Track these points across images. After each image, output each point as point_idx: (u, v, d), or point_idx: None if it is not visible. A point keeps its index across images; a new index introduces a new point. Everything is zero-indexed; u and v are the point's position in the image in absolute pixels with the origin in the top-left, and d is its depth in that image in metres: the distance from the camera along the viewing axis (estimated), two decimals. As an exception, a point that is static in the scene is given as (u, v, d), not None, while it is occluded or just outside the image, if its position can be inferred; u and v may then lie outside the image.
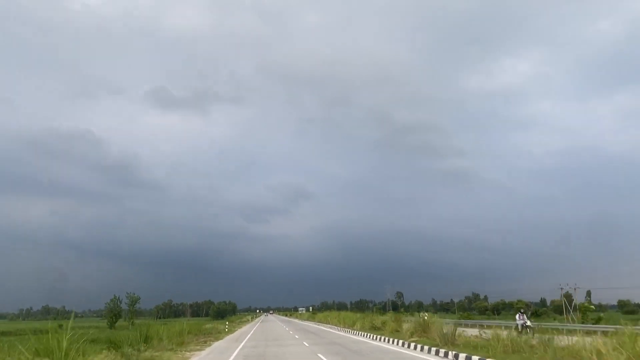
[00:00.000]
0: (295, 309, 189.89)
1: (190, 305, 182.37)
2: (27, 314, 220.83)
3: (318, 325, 54.40)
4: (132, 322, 60.97)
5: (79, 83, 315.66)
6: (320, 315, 60.91)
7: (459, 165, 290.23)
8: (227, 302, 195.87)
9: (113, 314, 59.52)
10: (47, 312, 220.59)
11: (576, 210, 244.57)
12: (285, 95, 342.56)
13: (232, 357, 19.20)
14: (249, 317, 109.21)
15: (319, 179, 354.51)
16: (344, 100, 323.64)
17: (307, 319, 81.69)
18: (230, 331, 40.74)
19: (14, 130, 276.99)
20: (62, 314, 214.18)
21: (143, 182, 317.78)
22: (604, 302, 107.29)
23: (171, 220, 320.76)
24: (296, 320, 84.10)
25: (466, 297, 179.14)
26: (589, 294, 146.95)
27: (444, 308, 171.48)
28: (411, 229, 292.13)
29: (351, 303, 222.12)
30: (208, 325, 44.50)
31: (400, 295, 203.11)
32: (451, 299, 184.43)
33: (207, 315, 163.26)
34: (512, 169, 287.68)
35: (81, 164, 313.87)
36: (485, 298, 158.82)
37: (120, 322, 66.87)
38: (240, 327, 51.80)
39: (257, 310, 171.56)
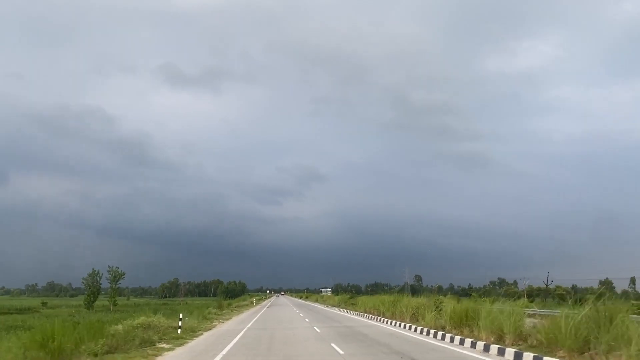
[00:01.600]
0: (316, 291, 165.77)
1: (198, 285, 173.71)
2: (32, 290, 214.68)
3: (346, 313, 39.10)
4: (115, 302, 50.15)
5: (90, 60, 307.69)
6: (366, 300, 36.63)
7: (476, 148, 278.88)
8: (237, 282, 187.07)
9: (91, 291, 48.78)
10: (51, 289, 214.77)
11: (600, 198, 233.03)
12: (298, 73, 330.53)
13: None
14: (254, 299, 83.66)
15: (331, 160, 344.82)
16: (358, 79, 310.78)
17: (339, 306, 51.94)
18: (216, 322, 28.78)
19: (24, 106, 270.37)
20: (65, 291, 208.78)
21: (155, 161, 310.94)
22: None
23: (182, 200, 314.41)
24: (320, 307, 56.50)
25: (491, 282, 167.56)
26: (633, 281, 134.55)
27: (465, 293, 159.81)
28: (426, 213, 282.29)
29: (366, 286, 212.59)
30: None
31: (419, 278, 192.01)
32: (469, 284, 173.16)
33: (214, 295, 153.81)
34: (530, 154, 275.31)
35: (92, 142, 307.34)
36: (515, 283, 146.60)
37: (105, 301, 56.26)
38: (227, 321, 30.92)
39: (268, 291, 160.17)
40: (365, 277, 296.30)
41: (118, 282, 49.64)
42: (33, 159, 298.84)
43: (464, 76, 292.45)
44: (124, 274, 49.80)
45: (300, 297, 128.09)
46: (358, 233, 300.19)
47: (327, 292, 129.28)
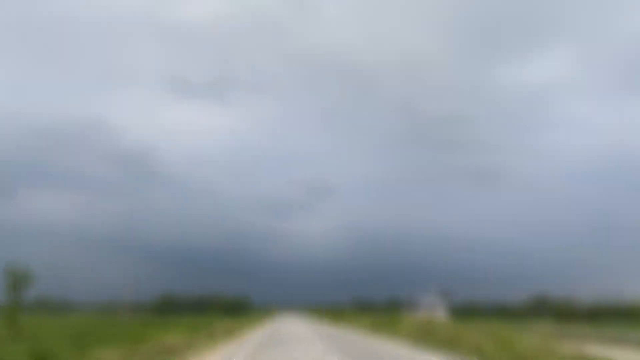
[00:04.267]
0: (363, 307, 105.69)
1: (197, 299, 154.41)
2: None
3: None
4: (14, 322, 30.68)
5: (93, 71, 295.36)
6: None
7: (489, 162, 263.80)
8: (241, 296, 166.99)
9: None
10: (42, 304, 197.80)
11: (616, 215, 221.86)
12: (307, 84, 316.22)
13: None
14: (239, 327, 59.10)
15: (341, 173, 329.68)
16: (367, 89, 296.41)
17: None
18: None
19: (25, 119, 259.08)
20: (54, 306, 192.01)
21: (160, 174, 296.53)
22: None
23: (189, 214, 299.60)
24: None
25: (532, 296, 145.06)
26: None
27: (501, 312, 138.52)
28: (440, 228, 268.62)
29: (385, 301, 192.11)
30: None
31: (445, 293, 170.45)
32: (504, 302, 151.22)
33: (209, 310, 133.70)
34: (546, 168, 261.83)
35: (95, 155, 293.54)
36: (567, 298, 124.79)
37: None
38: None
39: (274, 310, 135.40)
40: (381, 293, 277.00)
41: (22, 290, 31.24)
42: (36, 172, 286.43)
43: (477, 87, 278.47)
44: (33, 276, 31.32)
45: (331, 320, 73.76)
46: (370, 247, 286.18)
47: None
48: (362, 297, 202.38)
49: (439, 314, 63.58)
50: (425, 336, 22.51)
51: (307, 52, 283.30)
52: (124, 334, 26.68)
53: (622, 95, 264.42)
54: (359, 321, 45.09)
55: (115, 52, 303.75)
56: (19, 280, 32.35)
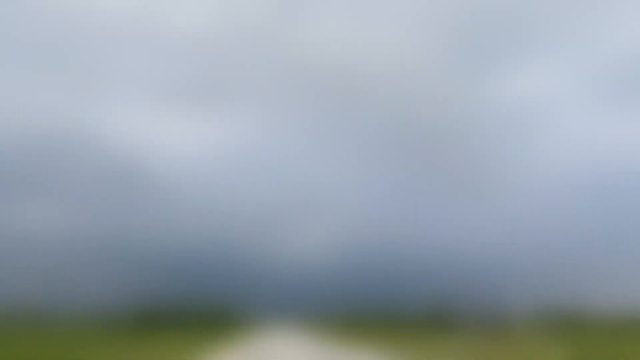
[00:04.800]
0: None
1: (171, 310, 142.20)
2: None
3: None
4: None
5: (78, 78, 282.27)
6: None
7: (478, 176, 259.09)
8: (220, 304, 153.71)
9: None
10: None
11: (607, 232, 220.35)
12: (294, 93, 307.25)
13: None
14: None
15: (329, 185, 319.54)
16: (357, 100, 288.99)
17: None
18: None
19: (16, 129, 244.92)
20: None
21: (145, 183, 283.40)
22: None
23: (174, 227, 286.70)
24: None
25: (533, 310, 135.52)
26: None
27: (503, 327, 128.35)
28: (428, 243, 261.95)
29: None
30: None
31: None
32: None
33: (180, 325, 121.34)
34: (535, 183, 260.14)
35: (80, 162, 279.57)
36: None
37: None
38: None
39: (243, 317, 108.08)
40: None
41: None
42: (21, 180, 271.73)
43: (466, 99, 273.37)
44: None
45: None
46: (360, 263, 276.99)
47: None
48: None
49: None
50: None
51: (294, 60, 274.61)
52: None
53: (613, 109, 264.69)
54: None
55: (100, 60, 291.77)
56: None
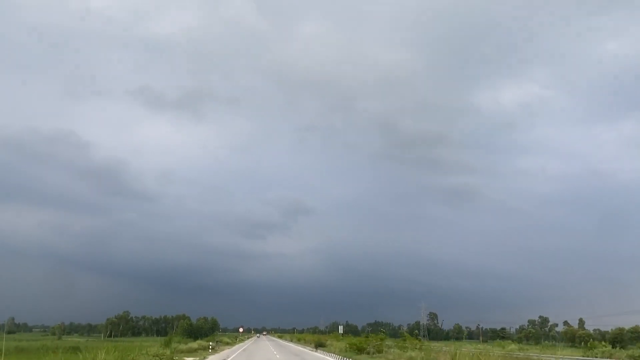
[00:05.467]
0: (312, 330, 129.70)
1: (156, 321, 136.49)
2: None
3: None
4: None
5: (62, 83, 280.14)
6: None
7: (466, 182, 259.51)
8: (208, 318, 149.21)
9: None
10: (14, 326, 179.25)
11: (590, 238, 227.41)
12: (284, 98, 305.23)
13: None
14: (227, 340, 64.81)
15: (318, 192, 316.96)
16: (345, 106, 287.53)
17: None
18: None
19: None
20: (22, 328, 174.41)
21: (131, 191, 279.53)
22: None
23: (160, 232, 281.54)
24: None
25: (530, 322, 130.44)
26: (581, 321, 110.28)
27: (498, 335, 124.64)
28: (414, 250, 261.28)
29: (368, 325, 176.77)
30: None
31: (434, 316, 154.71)
32: (502, 327, 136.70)
33: (164, 334, 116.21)
34: (521, 190, 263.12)
35: (65, 169, 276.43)
36: (581, 323, 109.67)
37: None
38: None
39: (251, 331, 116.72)
40: (362, 316, 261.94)
41: None
42: (3, 186, 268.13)
43: (455, 106, 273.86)
44: None
45: (281, 337, 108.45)
46: (347, 270, 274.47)
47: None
48: (346, 320, 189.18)
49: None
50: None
51: (284, 67, 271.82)
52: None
53: (595, 120, 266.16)
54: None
55: (86, 65, 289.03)
56: None
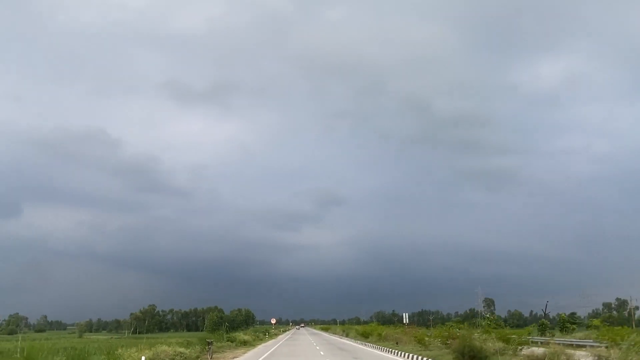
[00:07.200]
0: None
1: (185, 314, 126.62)
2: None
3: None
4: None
5: (92, 81, 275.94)
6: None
7: (503, 164, 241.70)
8: (242, 310, 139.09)
9: None
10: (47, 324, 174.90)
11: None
12: (311, 85, 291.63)
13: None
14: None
15: (349, 182, 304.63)
16: (376, 89, 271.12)
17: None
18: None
19: (24, 131, 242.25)
20: (56, 326, 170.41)
21: (165, 187, 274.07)
22: None
23: (195, 227, 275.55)
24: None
25: (605, 305, 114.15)
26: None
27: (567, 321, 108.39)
28: (455, 237, 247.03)
29: (413, 314, 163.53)
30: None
31: (489, 302, 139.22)
32: (572, 312, 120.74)
33: (200, 329, 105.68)
34: (563, 170, 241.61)
35: (97, 168, 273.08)
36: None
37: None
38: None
39: (273, 322, 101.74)
40: (406, 306, 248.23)
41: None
42: (40, 188, 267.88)
43: (492, 84, 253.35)
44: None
45: (326, 330, 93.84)
46: (386, 261, 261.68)
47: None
48: (392, 309, 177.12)
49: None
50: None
51: (310, 54, 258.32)
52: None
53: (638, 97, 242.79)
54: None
55: (114, 62, 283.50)
56: None
